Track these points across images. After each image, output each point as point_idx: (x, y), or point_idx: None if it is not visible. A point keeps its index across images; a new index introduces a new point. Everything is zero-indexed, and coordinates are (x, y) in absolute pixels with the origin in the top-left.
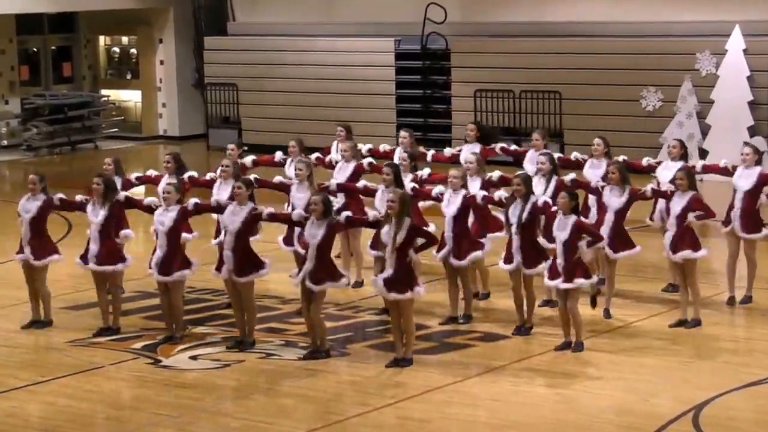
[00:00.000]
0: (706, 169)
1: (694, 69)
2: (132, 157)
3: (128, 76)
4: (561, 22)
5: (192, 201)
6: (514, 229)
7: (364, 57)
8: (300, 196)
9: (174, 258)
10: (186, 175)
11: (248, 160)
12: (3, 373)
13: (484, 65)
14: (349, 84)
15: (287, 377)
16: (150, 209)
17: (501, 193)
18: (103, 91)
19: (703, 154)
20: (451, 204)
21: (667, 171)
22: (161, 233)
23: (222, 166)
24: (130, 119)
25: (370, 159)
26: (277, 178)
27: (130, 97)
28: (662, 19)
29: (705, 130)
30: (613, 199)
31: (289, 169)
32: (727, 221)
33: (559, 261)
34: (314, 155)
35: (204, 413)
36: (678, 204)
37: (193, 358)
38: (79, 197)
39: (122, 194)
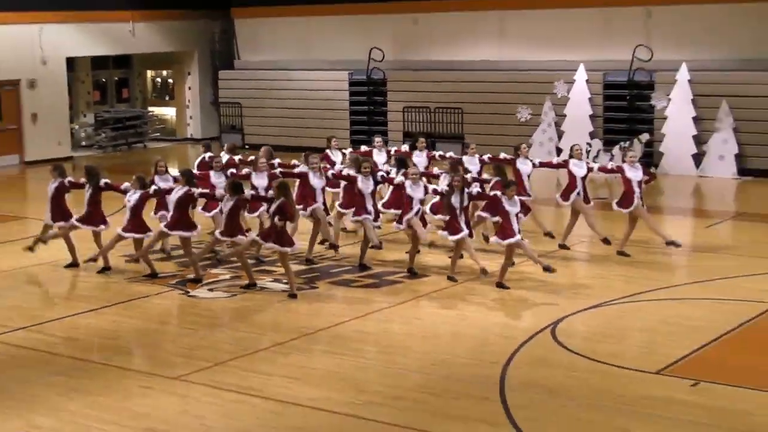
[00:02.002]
0: (600, 170)
1: (552, 93)
2: (170, 153)
3: (167, 98)
4: (463, 60)
5: (153, 187)
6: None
7: (328, 84)
8: (317, 183)
9: (134, 223)
10: (230, 171)
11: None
12: (80, 301)
13: (410, 89)
14: (318, 102)
15: (275, 302)
16: (124, 191)
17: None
18: (150, 108)
19: (558, 151)
20: (416, 191)
21: (579, 168)
22: (129, 207)
23: (259, 162)
24: (168, 127)
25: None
26: (297, 169)
27: (168, 112)
28: (531, 58)
29: (560, 135)
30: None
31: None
32: (628, 204)
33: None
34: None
35: (216, 328)
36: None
37: (211, 290)
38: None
39: (103, 180)
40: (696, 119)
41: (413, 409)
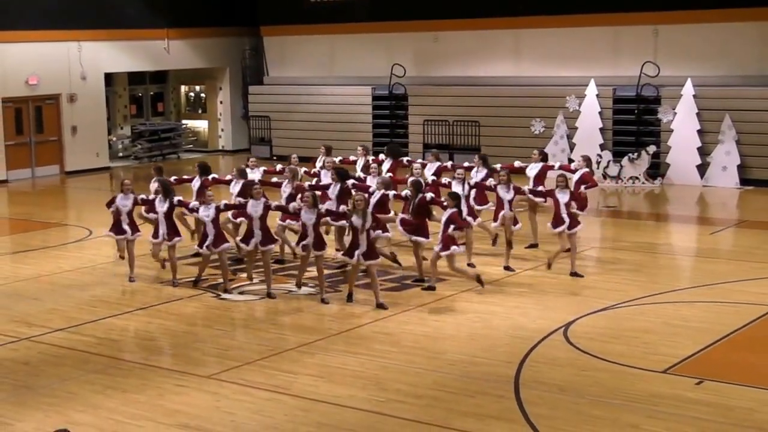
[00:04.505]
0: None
1: (564, 107)
2: None
3: (200, 112)
4: (480, 76)
5: (224, 202)
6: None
7: (352, 98)
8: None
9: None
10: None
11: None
12: (117, 304)
13: (430, 104)
14: (342, 116)
15: (302, 305)
16: (192, 210)
17: (406, 192)
18: (184, 121)
19: (570, 161)
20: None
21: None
22: (208, 222)
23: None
24: (200, 139)
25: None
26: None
27: (201, 125)
28: (545, 74)
29: (572, 147)
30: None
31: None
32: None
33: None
34: (302, 169)
35: (247, 329)
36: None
37: (241, 293)
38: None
39: (176, 198)
40: (700, 132)
41: (432, 406)
